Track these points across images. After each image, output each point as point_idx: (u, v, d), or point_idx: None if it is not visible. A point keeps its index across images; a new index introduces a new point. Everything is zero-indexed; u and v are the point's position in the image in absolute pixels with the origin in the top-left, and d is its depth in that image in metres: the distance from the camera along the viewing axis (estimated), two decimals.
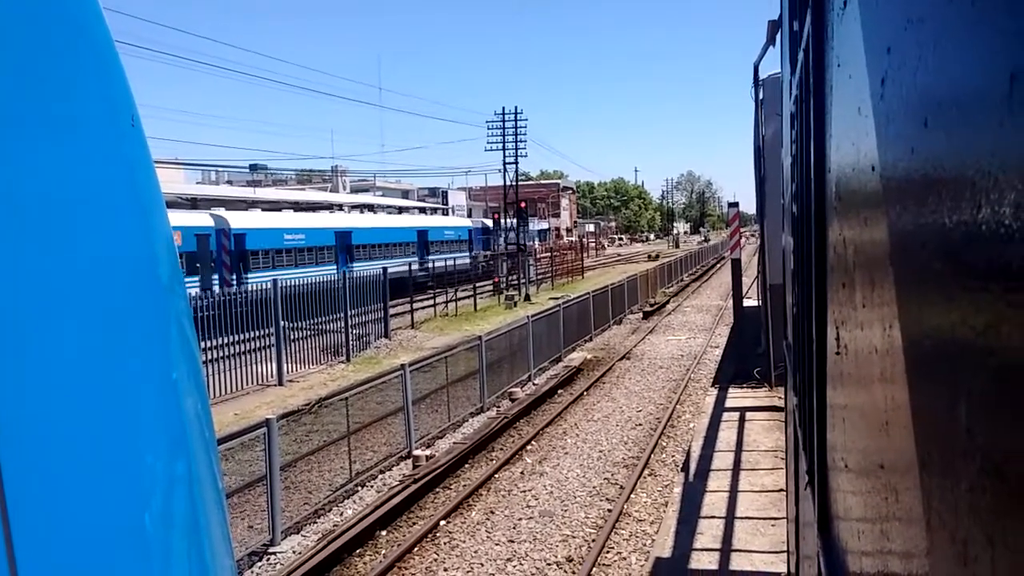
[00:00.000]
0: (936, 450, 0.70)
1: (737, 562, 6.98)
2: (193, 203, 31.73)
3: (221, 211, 31.08)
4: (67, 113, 1.04)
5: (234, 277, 28.99)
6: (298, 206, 40.65)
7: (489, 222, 49.46)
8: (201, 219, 29.12)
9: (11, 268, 0.89)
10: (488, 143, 46.76)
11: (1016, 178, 0.48)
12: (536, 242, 60.75)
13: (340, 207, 44.80)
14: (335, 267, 33.79)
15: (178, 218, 26.66)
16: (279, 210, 38.38)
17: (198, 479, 1.22)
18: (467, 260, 45.85)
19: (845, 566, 1.48)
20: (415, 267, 35.66)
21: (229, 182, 59.86)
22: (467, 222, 54.97)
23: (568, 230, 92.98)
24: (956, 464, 0.62)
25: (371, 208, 48.12)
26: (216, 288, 25.70)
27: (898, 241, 0.86)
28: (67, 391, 0.95)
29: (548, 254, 50.41)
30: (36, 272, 0.93)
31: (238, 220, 30.98)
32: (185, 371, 1.22)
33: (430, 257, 42.69)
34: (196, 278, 26.90)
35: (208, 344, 17.45)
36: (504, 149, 46.43)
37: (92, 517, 0.96)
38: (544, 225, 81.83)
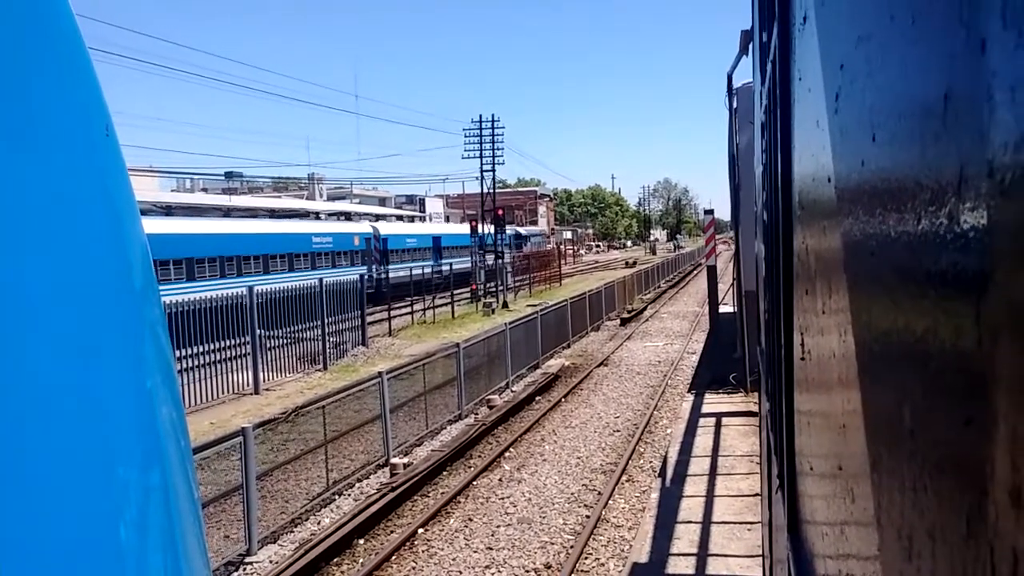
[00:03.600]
0: (884, 452, 0.73)
1: (714, 566, 7.02)
2: (168, 211, 31.70)
3: (373, 222, 45.60)
4: (39, 122, 1.04)
5: (381, 267, 41.54)
6: (275, 213, 44.33)
7: (523, 229, 54.07)
8: (365, 228, 42.56)
9: None
10: (465, 151, 46.69)
11: (950, 190, 0.51)
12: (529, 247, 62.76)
13: (350, 216, 53.12)
14: (432, 263, 44.96)
15: (354, 227, 42.06)
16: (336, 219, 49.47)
17: (173, 489, 1.22)
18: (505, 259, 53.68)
19: (813, 569, 1.51)
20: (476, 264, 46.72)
21: (204, 190, 59.41)
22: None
23: (546, 237, 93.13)
24: (902, 465, 0.65)
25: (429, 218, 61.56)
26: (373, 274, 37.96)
27: (851, 250, 0.89)
28: (38, 400, 0.95)
29: (526, 261, 50.81)
30: (5, 281, 0.94)
31: (383, 228, 44.40)
32: (159, 380, 1.22)
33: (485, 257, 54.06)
34: (364, 267, 38.57)
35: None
36: (481, 157, 46.40)
37: (64, 529, 0.96)
38: (534, 229, 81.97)
